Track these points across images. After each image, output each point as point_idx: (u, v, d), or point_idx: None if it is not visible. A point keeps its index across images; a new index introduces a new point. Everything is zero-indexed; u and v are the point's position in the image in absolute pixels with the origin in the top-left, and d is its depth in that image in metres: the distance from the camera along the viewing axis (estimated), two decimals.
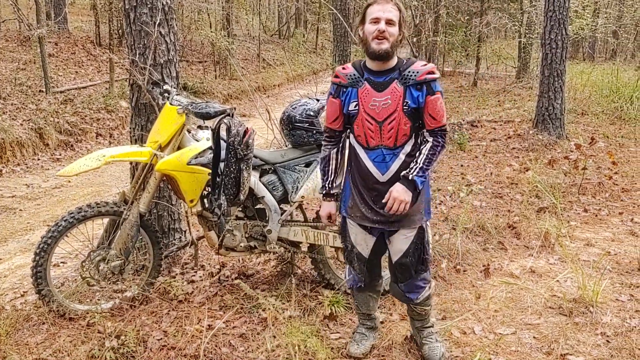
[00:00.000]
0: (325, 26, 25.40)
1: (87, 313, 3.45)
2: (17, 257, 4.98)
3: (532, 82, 14.49)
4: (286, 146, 3.93)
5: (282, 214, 3.68)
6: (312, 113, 3.64)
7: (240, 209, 3.74)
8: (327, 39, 25.66)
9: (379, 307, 3.48)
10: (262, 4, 27.91)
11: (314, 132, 3.65)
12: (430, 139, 2.73)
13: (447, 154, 8.04)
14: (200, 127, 3.80)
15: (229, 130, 3.36)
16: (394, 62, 2.73)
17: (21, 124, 8.86)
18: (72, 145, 9.40)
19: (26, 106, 9.63)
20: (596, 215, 5.69)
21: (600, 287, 3.85)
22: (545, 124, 8.79)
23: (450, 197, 5.81)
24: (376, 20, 2.63)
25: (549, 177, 6.64)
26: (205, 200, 3.61)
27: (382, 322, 3.50)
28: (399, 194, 2.69)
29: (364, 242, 2.97)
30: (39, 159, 8.63)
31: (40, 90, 10.76)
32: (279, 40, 25.35)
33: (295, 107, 3.70)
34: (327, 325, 3.50)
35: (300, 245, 3.83)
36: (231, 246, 3.65)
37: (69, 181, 7.49)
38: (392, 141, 2.72)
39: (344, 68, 2.83)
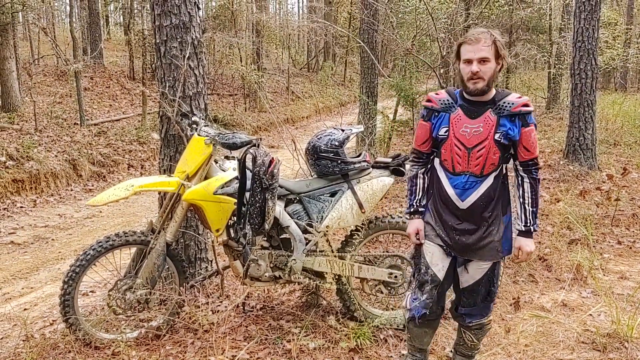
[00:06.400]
0: (353, 59, 25.65)
1: (113, 342, 3.47)
2: (47, 286, 5.07)
3: (563, 112, 14.31)
4: (311, 176, 3.95)
5: (307, 244, 3.67)
6: (337, 143, 3.65)
7: (265, 239, 3.75)
8: (355, 71, 25.89)
9: None
10: (292, 39, 28.41)
11: (339, 162, 3.65)
12: (526, 178, 2.77)
13: None
14: (227, 157, 3.85)
15: (254, 160, 3.39)
16: (491, 94, 2.73)
17: (56, 156, 9.10)
18: (104, 176, 9.61)
19: (61, 138, 9.91)
20: (630, 248, 5.53)
21: (636, 321, 3.73)
22: (576, 154, 8.66)
23: None
24: (469, 61, 2.65)
25: (581, 208, 6.50)
26: (231, 230, 3.63)
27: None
28: (530, 248, 2.81)
29: (440, 262, 2.91)
30: (72, 190, 8.83)
31: (75, 123, 11.09)
32: (307, 73, 25.68)
33: (321, 138, 3.72)
34: (352, 358, 3.45)
35: (326, 275, 3.80)
36: (256, 276, 3.64)
37: (100, 211, 7.63)
38: (479, 169, 2.72)
39: (437, 94, 2.86)
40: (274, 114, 15.53)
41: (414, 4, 10.65)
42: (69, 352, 3.45)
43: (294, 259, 3.65)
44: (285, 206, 3.70)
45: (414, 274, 3.05)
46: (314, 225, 3.66)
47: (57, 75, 14.20)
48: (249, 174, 3.45)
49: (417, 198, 3.02)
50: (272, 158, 3.46)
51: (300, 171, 5.32)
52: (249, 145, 3.47)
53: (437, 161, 2.89)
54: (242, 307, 4.12)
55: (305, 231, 3.68)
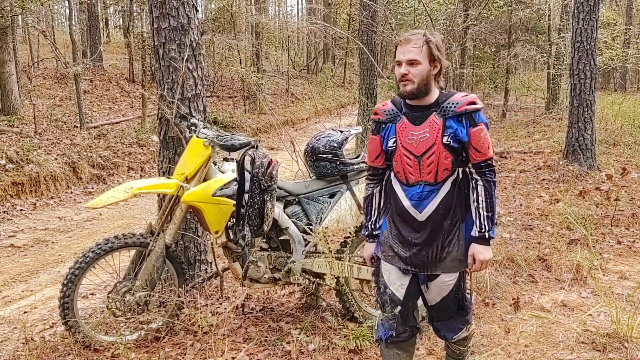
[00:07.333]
0: (352, 60, 25.67)
1: (112, 344, 3.47)
2: (47, 289, 5.06)
3: (562, 113, 14.34)
4: (310, 177, 3.95)
5: (306, 245, 3.68)
6: (335, 144, 3.66)
7: (265, 240, 3.75)
8: (354, 72, 25.89)
9: None
10: (291, 41, 28.44)
11: (338, 163, 3.66)
12: (480, 180, 2.60)
13: None
14: (225, 159, 3.86)
15: (253, 162, 3.39)
16: (433, 97, 2.57)
17: (55, 158, 9.11)
18: (104, 179, 9.61)
19: (61, 141, 9.92)
20: (630, 248, 5.53)
21: (636, 321, 3.73)
22: (575, 154, 8.66)
23: None
24: (399, 63, 2.53)
25: (580, 208, 6.50)
26: (230, 232, 3.63)
27: None
28: (484, 255, 2.58)
29: (398, 281, 2.72)
30: (71, 192, 8.83)
31: (75, 126, 11.10)
32: (307, 75, 25.72)
33: (319, 139, 3.72)
34: (352, 358, 3.44)
35: (325, 277, 3.80)
36: (255, 277, 3.64)
37: (100, 214, 7.63)
38: (432, 176, 2.56)
39: (383, 105, 2.71)
40: (274, 115, 15.55)
41: (413, 5, 10.67)
42: (69, 354, 3.45)
43: (293, 261, 3.65)
44: (284, 208, 3.71)
45: (376, 292, 2.89)
46: (313, 226, 3.66)
47: (56, 78, 14.22)
48: (247, 176, 3.46)
49: (372, 220, 2.84)
50: (271, 159, 3.46)
51: (299, 173, 5.33)
52: (247, 147, 3.47)
53: (392, 174, 2.74)
54: (241, 309, 4.12)
55: (304, 232, 3.68)
